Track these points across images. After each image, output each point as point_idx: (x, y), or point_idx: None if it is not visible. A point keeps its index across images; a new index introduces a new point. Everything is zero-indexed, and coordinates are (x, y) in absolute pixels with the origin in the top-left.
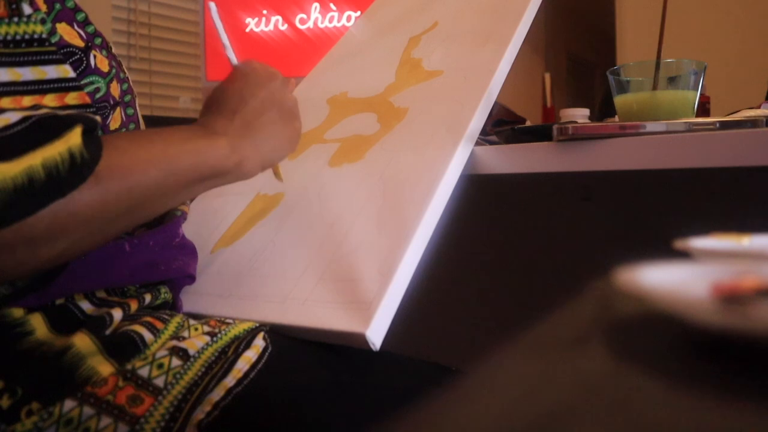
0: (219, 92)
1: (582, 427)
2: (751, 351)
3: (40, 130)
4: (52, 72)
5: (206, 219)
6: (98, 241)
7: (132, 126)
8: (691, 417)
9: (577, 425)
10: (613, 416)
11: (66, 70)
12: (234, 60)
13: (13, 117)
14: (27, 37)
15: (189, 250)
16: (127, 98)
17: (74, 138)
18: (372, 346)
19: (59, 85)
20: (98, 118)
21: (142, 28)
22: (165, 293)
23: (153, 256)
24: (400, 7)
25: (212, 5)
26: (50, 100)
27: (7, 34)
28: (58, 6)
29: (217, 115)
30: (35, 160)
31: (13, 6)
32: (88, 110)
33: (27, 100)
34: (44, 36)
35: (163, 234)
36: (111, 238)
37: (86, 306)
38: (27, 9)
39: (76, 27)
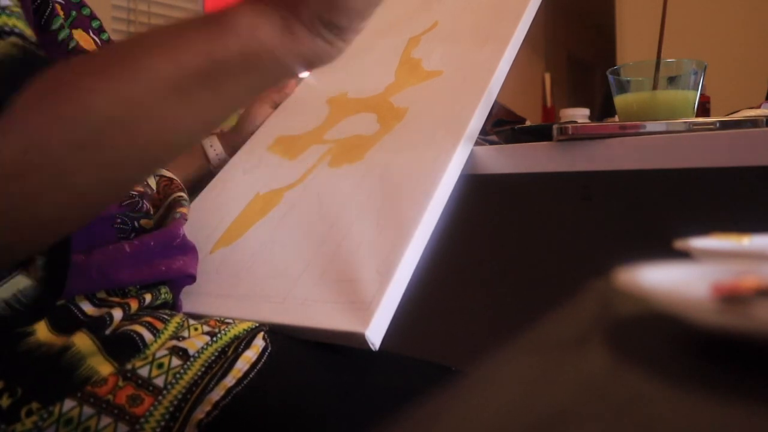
0: None
1: (582, 427)
2: (751, 351)
3: None
4: None
5: (206, 219)
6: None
7: None
8: (691, 417)
9: (577, 425)
10: (612, 416)
11: None
12: None
13: None
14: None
15: (190, 251)
16: None
17: None
18: (371, 346)
19: None
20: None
21: (142, 28)
22: (165, 293)
23: (154, 257)
24: (399, 7)
25: None
26: None
27: None
28: (74, 13)
29: None
30: None
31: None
32: None
33: None
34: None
35: (164, 235)
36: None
37: (87, 306)
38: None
39: (91, 34)
